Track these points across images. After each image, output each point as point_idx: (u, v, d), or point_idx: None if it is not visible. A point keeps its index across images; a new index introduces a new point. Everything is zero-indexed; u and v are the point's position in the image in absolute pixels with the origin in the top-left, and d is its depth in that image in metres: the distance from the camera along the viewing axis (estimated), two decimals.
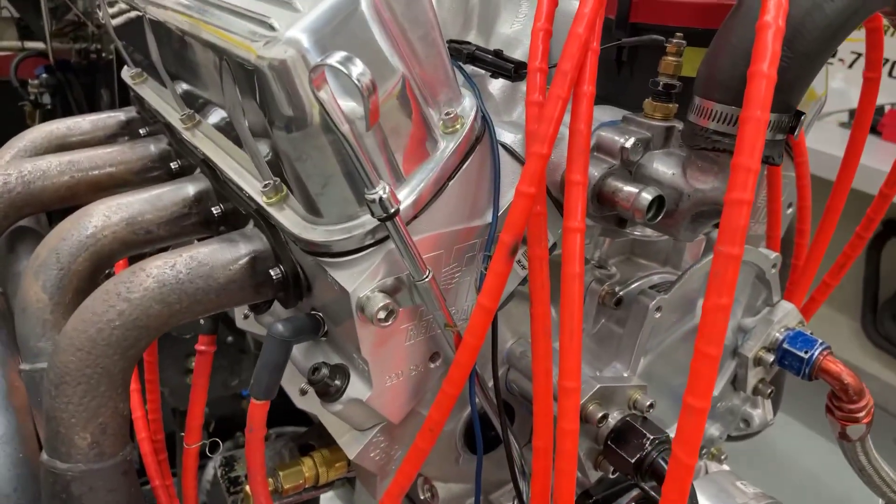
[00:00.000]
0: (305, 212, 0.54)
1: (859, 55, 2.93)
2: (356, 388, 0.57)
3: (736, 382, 0.79)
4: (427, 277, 0.51)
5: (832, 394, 0.74)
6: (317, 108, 0.45)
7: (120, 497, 0.58)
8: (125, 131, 0.97)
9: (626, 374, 0.65)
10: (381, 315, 0.52)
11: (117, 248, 0.69)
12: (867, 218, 0.80)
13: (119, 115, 0.98)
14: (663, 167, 0.56)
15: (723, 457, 0.89)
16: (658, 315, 0.64)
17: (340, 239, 0.52)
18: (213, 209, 0.72)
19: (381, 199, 0.46)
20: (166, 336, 1.25)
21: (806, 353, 0.73)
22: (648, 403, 0.63)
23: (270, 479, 0.71)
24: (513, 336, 0.66)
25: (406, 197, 0.52)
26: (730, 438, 1.29)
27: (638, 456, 0.59)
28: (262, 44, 0.47)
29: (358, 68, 0.42)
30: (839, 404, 0.74)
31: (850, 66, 2.98)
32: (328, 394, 0.58)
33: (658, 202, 0.54)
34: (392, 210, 0.47)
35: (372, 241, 0.52)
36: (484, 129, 0.57)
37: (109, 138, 0.96)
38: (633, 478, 0.60)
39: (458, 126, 0.54)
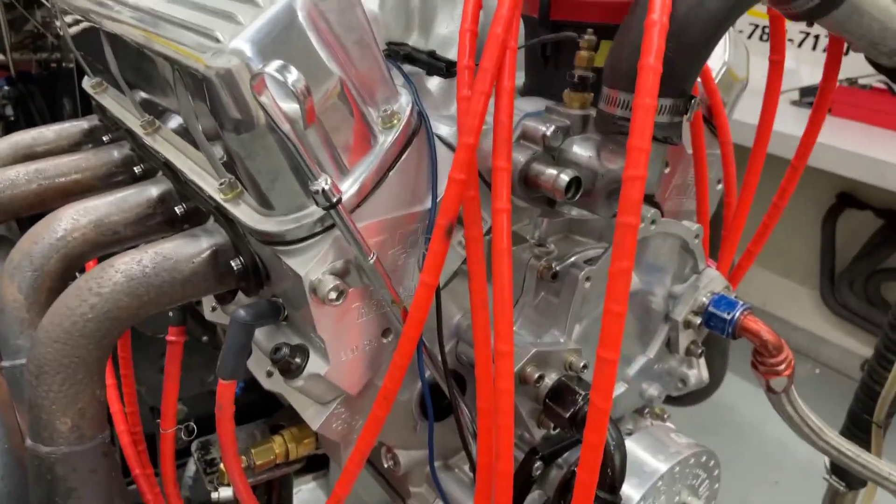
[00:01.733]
0: (259, 205, 0.60)
1: (807, 34, 3.05)
2: (315, 363, 0.63)
3: (670, 345, 0.86)
4: (372, 259, 0.57)
5: (755, 350, 0.82)
6: (260, 111, 0.51)
7: (101, 476, 0.63)
8: (89, 139, 1.01)
9: (562, 340, 0.72)
10: (332, 295, 0.58)
11: (87, 249, 0.74)
12: (781, 188, 0.88)
13: (82, 124, 1.02)
14: (581, 151, 0.62)
15: (666, 416, 0.96)
16: (588, 285, 0.71)
17: (291, 228, 0.57)
18: (175, 208, 0.77)
19: (323, 190, 0.52)
20: (141, 336, 1.29)
21: (728, 314, 0.81)
22: (582, 364, 0.69)
23: (243, 457, 0.76)
24: (459, 311, 0.72)
25: (349, 187, 0.57)
26: (674, 401, 1.38)
27: (572, 410, 0.65)
28: (210, 54, 0.52)
29: (293, 75, 0.47)
30: (761, 359, 0.81)
31: (800, 45, 3.09)
32: (290, 371, 0.63)
33: (576, 183, 0.60)
34: (334, 199, 0.52)
35: (320, 229, 0.57)
36: (420, 124, 0.62)
37: (74, 146, 0.99)
38: (570, 431, 0.66)
39: (395, 121, 0.60)
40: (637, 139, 0.50)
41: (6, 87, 1.89)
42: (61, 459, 0.61)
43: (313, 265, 0.57)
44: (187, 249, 0.65)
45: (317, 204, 0.53)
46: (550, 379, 0.68)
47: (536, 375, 0.66)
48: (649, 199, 0.91)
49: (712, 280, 0.84)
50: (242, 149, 0.55)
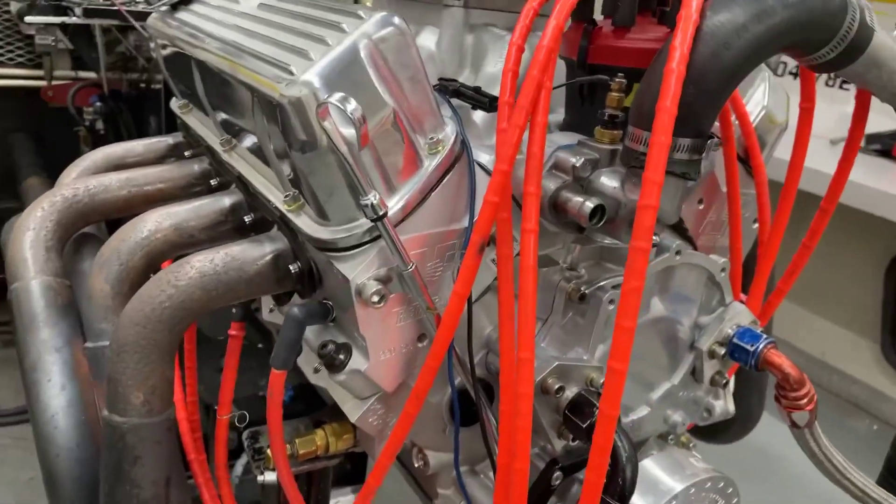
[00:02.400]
0: (317, 217, 0.68)
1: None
2: (357, 360, 0.70)
3: (695, 374, 0.90)
4: (411, 268, 0.64)
5: (777, 384, 0.85)
6: (323, 134, 0.59)
7: (164, 449, 0.72)
8: (173, 153, 1.13)
9: (585, 357, 0.77)
10: (375, 298, 0.65)
11: (167, 249, 0.84)
12: (811, 230, 0.91)
13: (168, 140, 1.14)
14: (607, 181, 0.68)
15: (691, 445, 0.99)
16: (611, 307, 0.76)
17: (343, 237, 0.65)
18: (245, 217, 0.86)
19: (372, 204, 0.59)
20: (201, 336, 1.39)
21: (752, 346, 0.84)
22: (602, 381, 0.74)
23: (287, 446, 0.84)
24: (491, 324, 0.78)
25: (396, 203, 0.65)
26: (710, 438, 1.39)
27: (589, 422, 0.70)
28: (284, 84, 0.61)
29: (352, 105, 0.56)
30: (784, 393, 0.84)
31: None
32: (334, 366, 0.71)
33: (600, 210, 0.66)
34: (381, 213, 0.60)
35: (368, 239, 0.65)
36: (462, 151, 0.70)
37: (159, 159, 1.11)
38: (587, 442, 0.71)
39: (440, 148, 0.68)
40: (651, 172, 0.55)
41: (98, 104, 2.07)
42: (132, 429, 0.69)
43: (360, 270, 0.65)
44: (253, 253, 0.74)
45: (365, 216, 0.60)
46: (571, 392, 0.73)
47: (557, 387, 0.72)
48: (682, 233, 0.96)
49: (739, 313, 0.88)
50: (306, 166, 0.63)
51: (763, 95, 1.00)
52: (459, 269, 0.66)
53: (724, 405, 0.94)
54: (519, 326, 0.64)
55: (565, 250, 0.83)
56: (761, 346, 0.84)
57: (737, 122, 0.96)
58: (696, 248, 0.98)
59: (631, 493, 0.67)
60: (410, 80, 0.65)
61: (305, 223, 0.69)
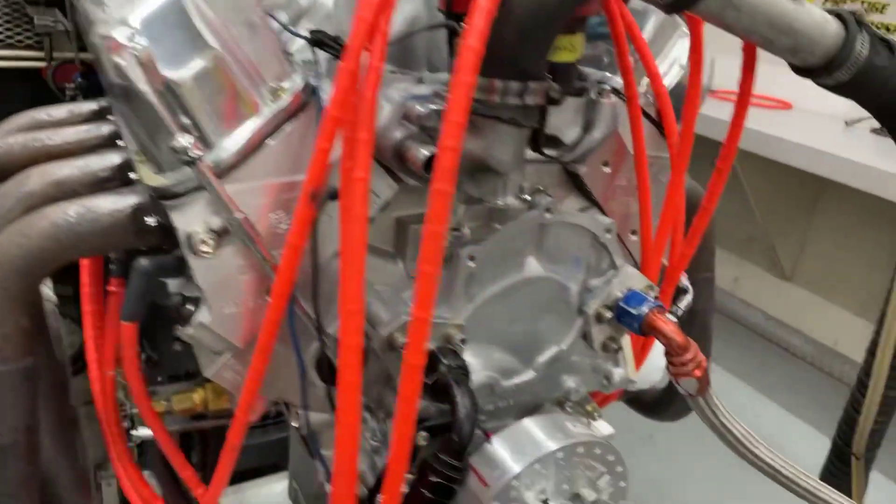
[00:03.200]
0: (153, 165, 0.67)
1: None
2: (202, 313, 0.70)
3: (587, 339, 0.87)
4: (239, 217, 0.63)
5: (665, 351, 0.81)
6: (124, 73, 0.58)
7: (20, 397, 0.72)
8: (97, 117, 1.13)
9: (447, 316, 0.75)
10: (204, 248, 0.64)
11: (47, 205, 0.84)
12: (709, 192, 0.87)
13: (93, 105, 1.14)
14: None
15: (596, 414, 0.96)
16: (472, 264, 0.74)
17: (172, 184, 0.64)
18: (130, 174, 0.86)
19: (183, 147, 0.58)
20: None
21: (637, 310, 0.81)
22: (460, 338, 0.72)
23: (165, 402, 0.84)
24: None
25: (224, 149, 0.64)
26: (645, 412, 1.35)
27: (434, 378, 0.68)
28: (102, 24, 0.61)
29: (144, 42, 0.55)
30: (671, 359, 0.80)
31: None
32: (182, 319, 0.70)
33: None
34: (194, 156, 0.59)
35: (196, 186, 0.64)
36: (310, 100, 0.68)
37: (82, 122, 1.12)
38: (433, 400, 0.70)
39: (281, 95, 0.66)
40: (452, 113, 0.53)
41: (80, 80, 2.11)
42: None
43: (189, 218, 0.64)
44: (110, 205, 0.74)
45: (177, 160, 0.59)
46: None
47: (402, 342, 0.70)
48: (587, 196, 0.93)
49: (629, 277, 0.84)
50: (127, 112, 0.63)
51: (680, 53, 0.96)
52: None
53: (622, 373, 0.91)
54: (344, 278, 0.62)
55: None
56: (646, 310, 0.80)
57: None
58: (604, 213, 0.95)
59: (465, 449, 0.65)
60: (246, 25, 0.64)
61: (144, 171, 0.68)
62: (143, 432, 0.84)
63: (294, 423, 0.83)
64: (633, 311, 0.81)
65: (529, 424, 0.79)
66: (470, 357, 0.80)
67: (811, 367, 3.37)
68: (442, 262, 0.55)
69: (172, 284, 0.75)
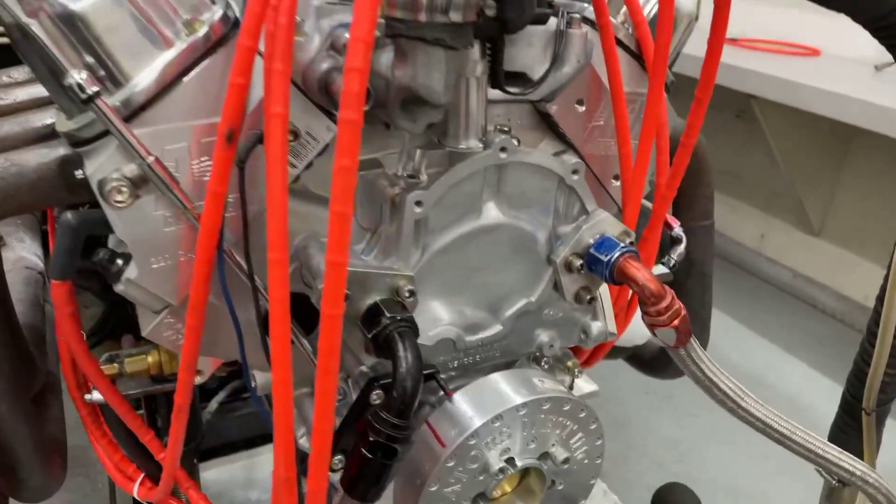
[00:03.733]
0: (65, 111, 0.63)
1: None
2: (130, 269, 0.65)
3: (558, 290, 0.81)
4: (150, 160, 0.58)
5: (639, 300, 0.75)
6: (14, 9, 0.53)
7: None
8: None
9: (396, 267, 0.69)
10: (117, 197, 0.60)
11: None
12: (688, 125, 0.80)
13: None
14: (380, 59, 0.60)
15: (577, 371, 0.90)
16: (419, 210, 0.68)
17: (77, 128, 0.59)
18: None
19: (77, 83, 0.53)
20: None
21: (607, 255, 0.75)
22: (409, 290, 0.67)
23: (116, 364, 0.81)
24: (302, 231, 0.72)
25: (131, 88, 0.59)
26: (646, 370, 1.29)
27: (375, 332, 0.63)
28: None
29: None
30: (645, 309, 0.74)
31: None
32: (112, 274, 0.66)
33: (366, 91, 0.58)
34: (90, 93, 0.54)
35: (104, 129, 0.59)
36: (231, 33, 0.62)
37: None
38: (377, 354, 0.65)
39: (197, 29, 0.61)
40: (356, 29, 0.47)
41: None
42: None
43: (100, 166, 0.59)
44: (38, 158, 0.69)
45: (73, 99, 0.54)
46: (369, 300, 0.66)
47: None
48: (561, 138, 0.86)
49: (602, 222, 0.78)
50: (25, 54, 0.58)
51: None
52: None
53: (601, 326, 0.85)
54: (269, 225, 0.57)
55: (404, 155, 0.76)
56: (616, 256, 0.74)
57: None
58: (581, 157, 0.88)
59: (409, 408, 0.61)
60: None
61: (57, 117, 0.64)
62: (96, 396, 0.81)
63: (253, 384, 0.79)
64: (603, 258, 0.75)
65: (495, 379, 0.74)
66: (427, 310, 0.75)
67: (841, 323, 3.26)
68: (353, 199, 0.50)
69: (112, 241, 0.72)
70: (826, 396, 2.87)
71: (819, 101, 2.65)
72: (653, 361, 1.29)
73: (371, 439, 0.60)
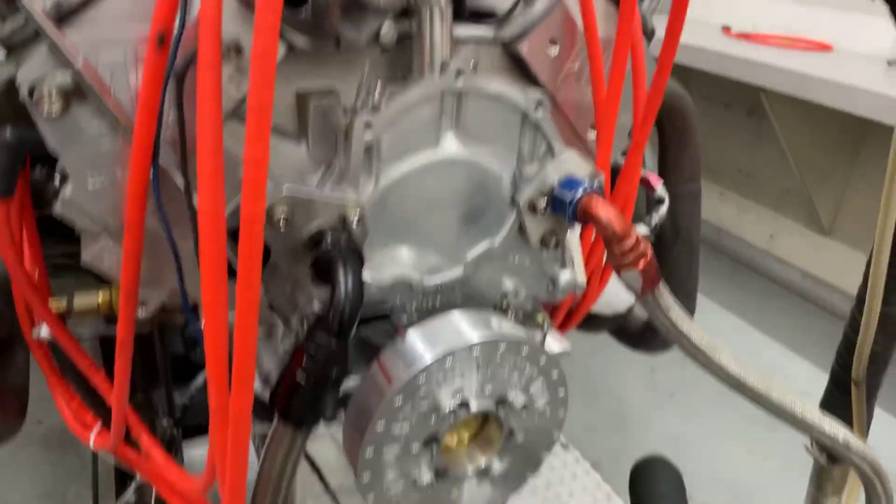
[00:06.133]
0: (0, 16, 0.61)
1: None
2: (66, 188, 0.63)
3: (523, 234, 0.77)
4: (78, 65, 0.56)
5: (604, 241, 0.72)
6: None
7: None
8: None
9: (345, 194, 0.67)
10: (48, 106, 0.57)
11: None
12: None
13: None
14: None
15: (545, 325, 0.87)
16: (368, 134, 0.65)
17: (11, 31, 0.57)
18: None
19: None
20: None
21: (571, 193, 0.71)
22: (356, 218, 0.64)
23: (65, 300, 0.79)
24: None
25: None
26: (631, 344, 1.25)
27: (316, 257, 0.61)
28: None
29: None
30: (609, 248, 0.71)
31: None
32: (49, 195, 0.64)
33: None
34: None
35: (34, 32, 0.57)
36: None
37: None
38: (317, 280, 0.62)
39: None
40: None
41: None
42: None
43: (30, 70, 0.57)
44: None
45: None
46: (313, 227, 0.63)
47: (282, 217, 0.61)
48: (533, 82, 0.83)
49: (567, 160, 0.74)
50: None
51: None
52: None
53: (570, 275, 0.82)
54: (199, 135, 0.54)
55: (364, 88, 0.73)
56: (580, 194, 0.71)
57: None
58: (555, 104, 0.84)
59: (348, 328, 0.57)
60: None
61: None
62: (44, 331, 0.79)
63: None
64: (567, 197, 0.71)
65: (451, 317, 0.71)
66: (383, 249, 0.72)
67: None
68: (273, 90, 0.47)
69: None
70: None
71: (831, 93, 2.60)
72: (638, 335, 1.25)
73: (305, 361, 0.57)
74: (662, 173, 1.09)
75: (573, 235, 0.83)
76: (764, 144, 3.25)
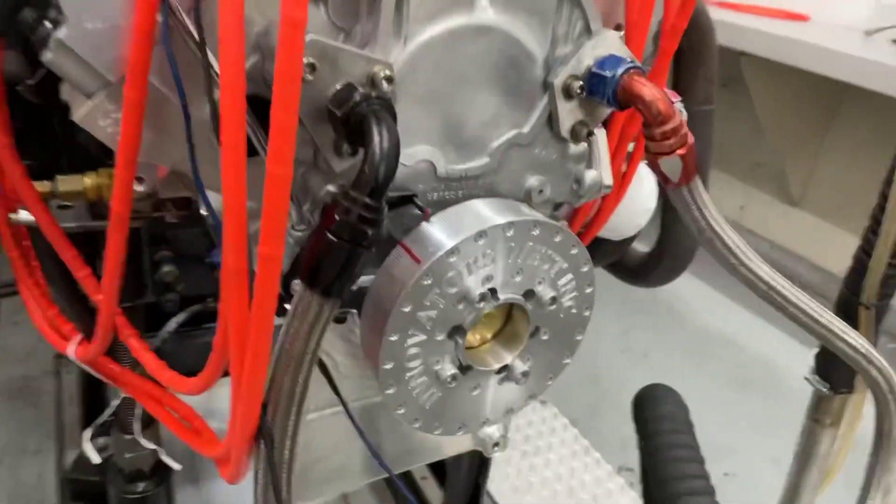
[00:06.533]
0: None
1: None
2: (60, 30, 0.56)
3: (553, 123, 0.73)
4: None
5: (644, 124, 0.67)
6: None
7: None
8: None
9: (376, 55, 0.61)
10: None
11: None
12: None
13: None
14: None
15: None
16: None
17: None
18: None
19: None
20: None
21: (612, 72, 0.67)
22: (385, 75, 0.58)
23: (49, 182, 0.71)
24: (263, 18, 0.62)
25: None
26: (627, 277, 1.22)
27: (345, 111, 0.55)
28: None
29: None
30: (649, 132, 0.66)
31: None
32: (39, 40, 0.57)
33: None
34: None
35: None
36: None
37: None
38: (346, 140, 0.56)
39: None
40: None
41: None
42: None
43: None
44: None
45: None
46: (338, 83, 0.57)
47: (307, 63, 0.55)
48: None
49: (606, 40, 0.70)
50: None
51: None
52: None
53: (595, 175, 0.78)
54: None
55: None
56: (621, 72, 0.66)
57: None
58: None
59: (381, 190, 0.52)
60: None
61: None
62: (24, 216, 0.71)
63: (203, 212, 0.70)
64: (607, 74, 0.67)
65: (477, 204, 0.66)
66: (407, 121, 0.66)
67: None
68: None
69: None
70: (799, 359, 2.88)
71: (810, 57, 2.62)
72: (637, 268, 1.23)
73: (337, 219, 0.51)
74: (675, 91, 1.05)
75: (600, 134, 0.79)
76: (738, 116, 3.27)
